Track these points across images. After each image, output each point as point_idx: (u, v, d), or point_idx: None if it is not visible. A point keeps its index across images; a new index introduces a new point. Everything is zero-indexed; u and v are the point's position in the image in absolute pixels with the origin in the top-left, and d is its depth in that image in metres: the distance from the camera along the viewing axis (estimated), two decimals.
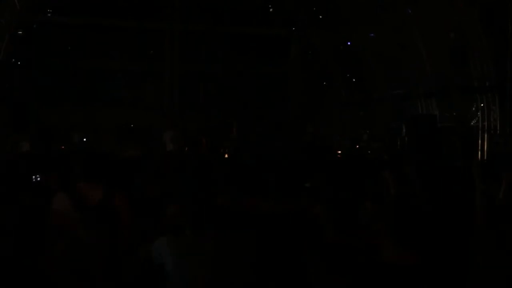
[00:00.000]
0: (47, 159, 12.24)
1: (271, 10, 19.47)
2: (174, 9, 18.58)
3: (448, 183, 5.65)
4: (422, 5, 16.10)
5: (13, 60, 17.15)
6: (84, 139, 16.52)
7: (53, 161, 12.52)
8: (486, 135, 15.27)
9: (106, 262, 3.06)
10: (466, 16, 14.96)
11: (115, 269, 3.11)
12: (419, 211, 2.92)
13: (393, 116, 18.87)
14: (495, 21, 15.50)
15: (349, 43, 19.28)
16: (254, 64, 19.55)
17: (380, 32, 18.24)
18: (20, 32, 16.63)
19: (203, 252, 3.16)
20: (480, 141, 15.38)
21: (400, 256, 2.51)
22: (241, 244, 3.07)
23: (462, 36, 15.25)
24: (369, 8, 17.53)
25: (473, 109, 15.91)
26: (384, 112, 19.38)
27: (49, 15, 17.63)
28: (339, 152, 19.52)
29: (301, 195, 6.87)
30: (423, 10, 16.26)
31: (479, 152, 15.25)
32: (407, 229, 2.53)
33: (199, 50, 19.84)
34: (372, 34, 18.61)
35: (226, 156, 16.69)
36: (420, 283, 2.45)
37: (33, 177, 5.88)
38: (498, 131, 15.01)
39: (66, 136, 16.56)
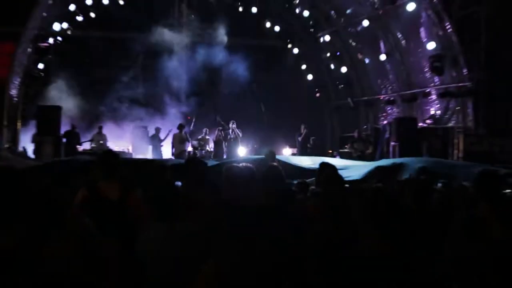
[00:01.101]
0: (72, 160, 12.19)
1: (268, 26, 19.44)
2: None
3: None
4: (404, 19, 16.09)
5: (39, 69, 17.07)
6: (101, 142, 16.45)
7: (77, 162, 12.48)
8: (462, 136, 15.17)
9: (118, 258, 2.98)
10: (444, 28, 14.98)
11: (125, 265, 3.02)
12: (395, 205, 2.89)
13: (378, 118, 18.91)
14: (469, 33, 15.49)
15: (338, 54, 19.26)
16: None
17: (366, 40, 18.36)
18: (44, 44, 16.51)
19: (176, 242, 3.11)
20: (457, 141, 15.38)
21: (377, 246, 2.53)
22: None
23: (441, 45, 15.23)
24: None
25: (450, 112, 15.86)
26: (370, 114, 19.37)
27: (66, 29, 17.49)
28: (330, 151, 19.57)
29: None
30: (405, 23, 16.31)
31: (456, 151, 15.34)
32: (383, 221, 2.53)
33: None
34: (362, 45, 18.70)
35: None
36: (395, 271, 2.48)
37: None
38: (472, 132, 15.02)
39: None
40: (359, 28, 17.97)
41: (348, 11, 18.11)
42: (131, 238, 3.26)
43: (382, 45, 17.48)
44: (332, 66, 19.88)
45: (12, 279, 1.96)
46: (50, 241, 2.52)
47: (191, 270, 2.37)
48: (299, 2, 18.80)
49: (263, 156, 9.40)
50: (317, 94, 20.68)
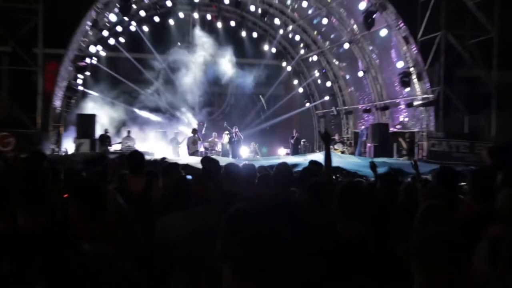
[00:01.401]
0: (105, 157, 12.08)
1: (266, 48, 19.46)
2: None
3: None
4: (378, 42, 16.10)
5: (78, 84, 17.06)
6: (129, 144, 16.35)
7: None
8: (425, 138, 15.21)
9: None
10: (410, 49, 14.97)
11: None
12: (371, 195, 2.82)
13: (357, 124, 18.81)
14: (431, 54, 15.48)
15: (324, 71, 19.15)
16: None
17: (347, 59, 18.31)
18: (82, 63, 16.48)
19: (187, 226, 2.93)
20: (421, 143, 15.34)
21: (350, 230, 2.44)
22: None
23: (408, 64, 15.22)
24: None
25: (416, 118, 15.83)
26: (350, 121, 19.29)
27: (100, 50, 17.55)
28: (318, 151, 19.43)
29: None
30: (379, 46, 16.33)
31: (421, 151, 15.27)
32: (355, 208, 2.48)
33: None
34: (344, 64, 18.64)
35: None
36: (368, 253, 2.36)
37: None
38: (434, 135, 14.97)
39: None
40: (341, 50, 17.92)
41: (332, 36, 18.11)
42: (152, 224, 3.20)
43: (360, 63, 17.43)
44: (319, 81, 19.84)
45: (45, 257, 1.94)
46: (94, 220, 2.45)
47: (206, 252, 2.17)
48: (292, 28, 18.78)
49: None
50: (307, 104, 20.60)
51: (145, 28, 18.06)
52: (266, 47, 19.39)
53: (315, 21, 17.98)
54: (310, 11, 17.56)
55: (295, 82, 20.41)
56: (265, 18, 18.61)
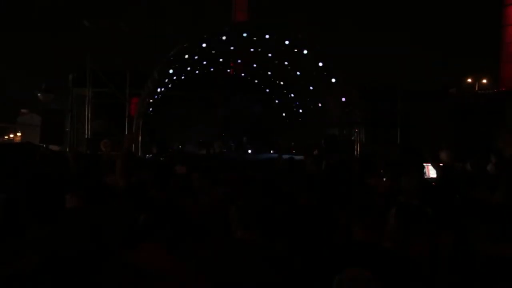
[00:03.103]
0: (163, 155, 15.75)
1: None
2: None
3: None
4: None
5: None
6: (180, 146, 23.70)
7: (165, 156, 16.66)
8: (358, 144, 19.86)
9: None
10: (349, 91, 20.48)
11: None
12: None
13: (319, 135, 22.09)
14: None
15: (297, 103, 24.81)
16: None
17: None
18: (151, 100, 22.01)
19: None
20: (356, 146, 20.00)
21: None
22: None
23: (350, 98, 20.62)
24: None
25: (353, 131, 20.31)
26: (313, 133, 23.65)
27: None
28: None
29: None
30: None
31: (356, 151, 19.52)
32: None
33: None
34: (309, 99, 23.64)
35: None
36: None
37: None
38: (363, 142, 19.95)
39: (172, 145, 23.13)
40: None
41: None
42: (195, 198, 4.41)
43: None
44: None
45: None
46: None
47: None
48: None
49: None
50: None
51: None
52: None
53: None
54: None
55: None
56: None
